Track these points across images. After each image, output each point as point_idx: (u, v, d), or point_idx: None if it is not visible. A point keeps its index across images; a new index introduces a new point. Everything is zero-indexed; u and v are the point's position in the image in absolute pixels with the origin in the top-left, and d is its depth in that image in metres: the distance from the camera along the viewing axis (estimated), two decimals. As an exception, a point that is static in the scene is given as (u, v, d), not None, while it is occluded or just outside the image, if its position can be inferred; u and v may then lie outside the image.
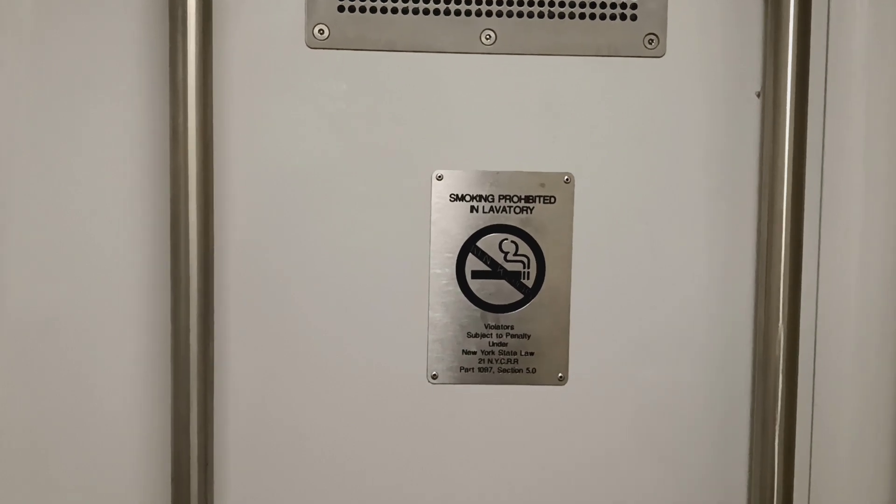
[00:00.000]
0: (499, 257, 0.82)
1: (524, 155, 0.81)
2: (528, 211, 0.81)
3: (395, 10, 0.79)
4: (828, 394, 0.84)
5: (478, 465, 0.83)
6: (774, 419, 0.78)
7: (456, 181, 0.81)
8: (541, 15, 0.80)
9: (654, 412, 0.83)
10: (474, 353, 0.82)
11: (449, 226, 0.81)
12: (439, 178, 0.81)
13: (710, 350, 0.83)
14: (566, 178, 0.81)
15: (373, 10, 0.79)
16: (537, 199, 0.81)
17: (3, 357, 0.80)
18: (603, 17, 0.80)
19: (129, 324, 0.80)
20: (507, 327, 0.82)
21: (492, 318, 0.82)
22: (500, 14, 0.79)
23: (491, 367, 0.82)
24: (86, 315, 0.80)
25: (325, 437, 0.82)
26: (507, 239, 0.81)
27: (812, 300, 0.82)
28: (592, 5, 0.80)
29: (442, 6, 0.79)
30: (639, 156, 0.81)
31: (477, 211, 0.81)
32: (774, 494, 0.78)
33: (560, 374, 0.82)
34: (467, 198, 0.81)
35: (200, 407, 0.76)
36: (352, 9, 0.79)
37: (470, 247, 0.81)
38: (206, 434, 0.76)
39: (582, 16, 0.80)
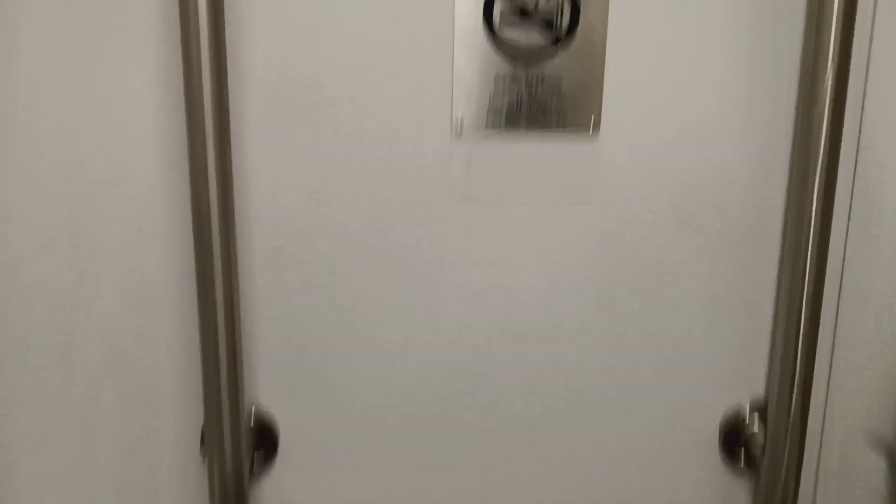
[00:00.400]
0: (530, 1, 0.75)
1: None
2: (564, -53, 0.74)
3: None
4: (873, 155, 0.80)
5: (503, 220, 0.80)
6: (812, 200, 0.75)
7: (484, -88, 0.73)
8: None
9: (687, 174, 0.79)
10: (502, 102, 0.77)
11: (476, -36, 0.74)
12: None
13: (751, 111, 0.78)
14: None
15: None
16: (574, -69, 0.74)
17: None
18: None
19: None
20: (538, 76, 0.76)
21: (521, 66, 0.76)
22: None
23: (519, 118, 0.77)
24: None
25: (349, 203, 0.79)
26: (539, -21, 0.75)
27: (861, 77, 0.77)
28: None
29: None
30: None
31: (507, -52, 0.74)
32: (807, 264, 0.76)
33: (592, 126, 0.78)
34: (497, -68, 0.74)
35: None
36: None
37: (498, -11, 0.75)
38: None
39: None
